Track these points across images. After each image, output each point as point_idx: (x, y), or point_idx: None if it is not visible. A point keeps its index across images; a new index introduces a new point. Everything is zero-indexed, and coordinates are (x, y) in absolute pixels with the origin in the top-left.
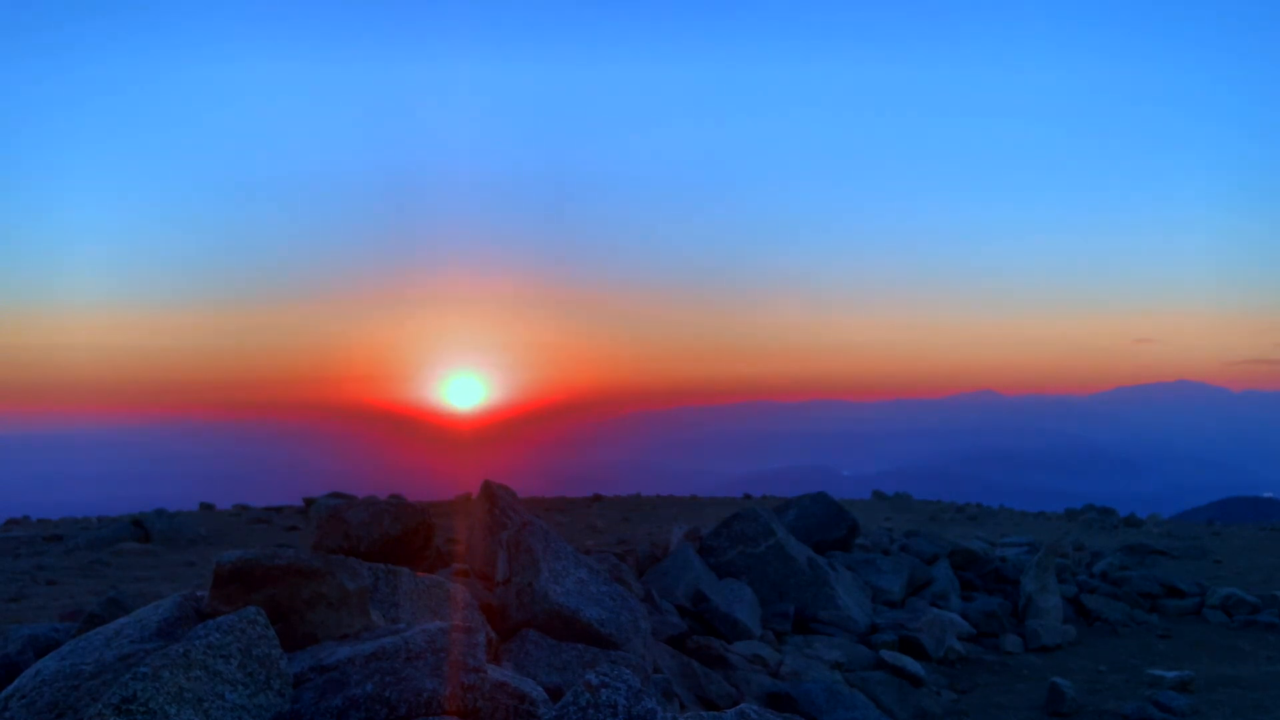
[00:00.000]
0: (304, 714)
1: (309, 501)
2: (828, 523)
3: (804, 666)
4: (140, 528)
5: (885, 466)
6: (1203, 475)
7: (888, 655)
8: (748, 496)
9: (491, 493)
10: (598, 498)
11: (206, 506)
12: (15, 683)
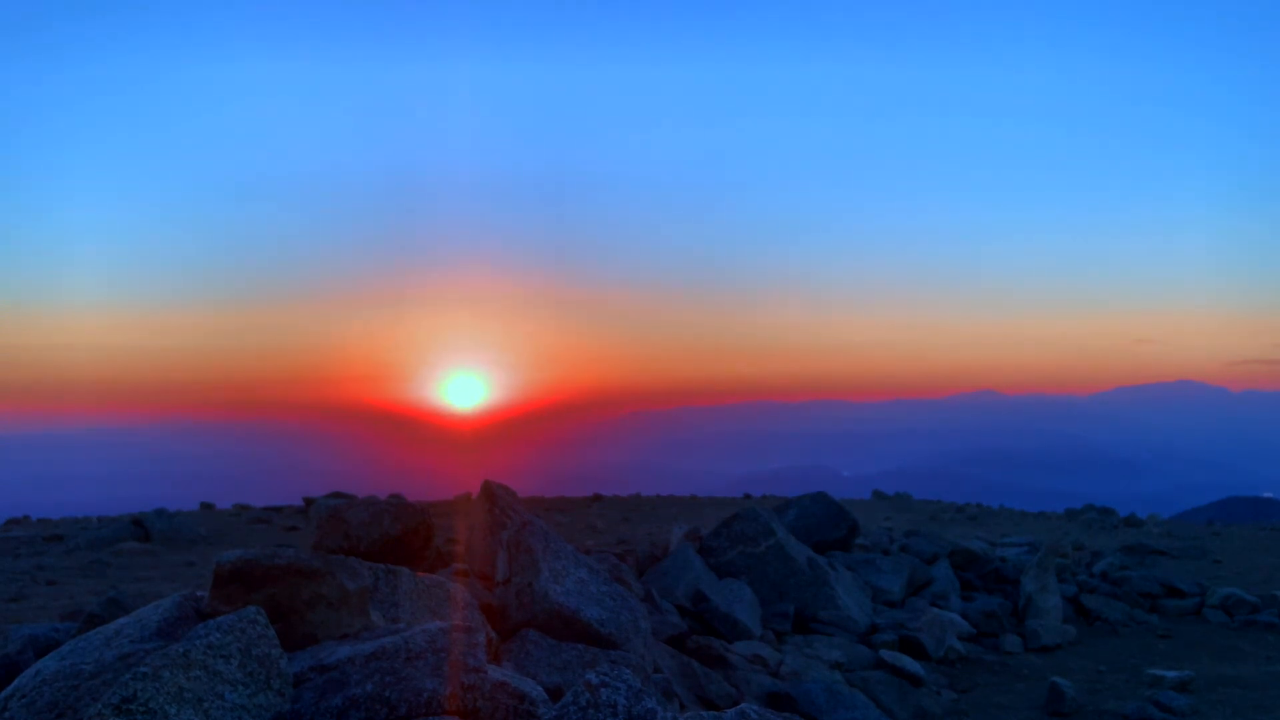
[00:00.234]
0: (304, 714)
1: (309, 501)
2: (828, 523)
3: (804, 666)
4: (140, 528)
5: (885, 466)
6: (1202, 475)
7: (888, 655)
8: (748, 496)
9: (491, 492)
10: (598, 498)
11: (206, 506)
12: (15, 682)
